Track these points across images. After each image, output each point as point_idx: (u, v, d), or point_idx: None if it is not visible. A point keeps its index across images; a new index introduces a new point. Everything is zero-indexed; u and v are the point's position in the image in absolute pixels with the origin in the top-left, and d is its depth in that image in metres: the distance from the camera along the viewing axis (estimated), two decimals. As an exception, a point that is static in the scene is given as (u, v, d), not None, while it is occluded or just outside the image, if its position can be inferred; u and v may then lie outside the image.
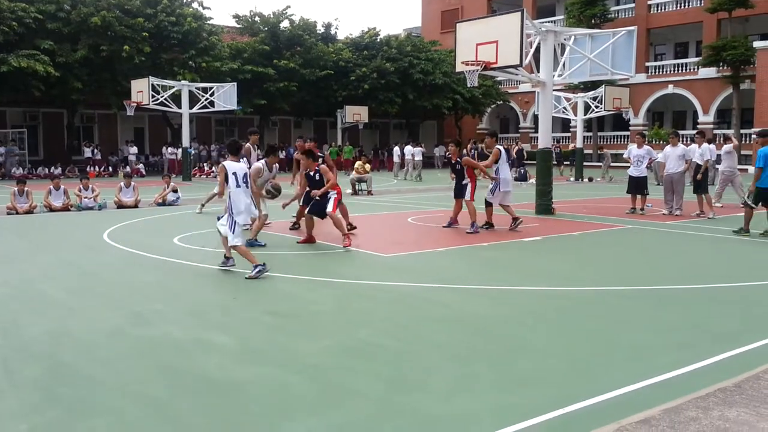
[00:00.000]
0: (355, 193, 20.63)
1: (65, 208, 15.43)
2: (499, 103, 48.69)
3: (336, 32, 45.14)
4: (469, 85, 14.67)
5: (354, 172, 21.41)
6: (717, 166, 17.19)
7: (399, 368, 4.60)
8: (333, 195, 9.97)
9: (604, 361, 4.73)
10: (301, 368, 4.59)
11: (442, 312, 6.13)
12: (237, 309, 6.33)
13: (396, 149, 33.21)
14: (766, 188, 10.76)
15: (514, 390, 4.17)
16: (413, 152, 30.59)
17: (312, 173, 10.15)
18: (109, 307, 6.42)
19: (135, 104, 27.71)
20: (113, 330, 5.56)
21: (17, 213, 14.86)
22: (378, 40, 43.47)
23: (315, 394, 4.13)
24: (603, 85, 28.14)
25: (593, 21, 39.75)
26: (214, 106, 29.59)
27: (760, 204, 10.94)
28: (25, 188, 15.42)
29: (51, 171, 30.65)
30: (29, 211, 15.05)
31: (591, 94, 28.86)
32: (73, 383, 4.33)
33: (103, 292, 7.05)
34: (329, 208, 9.87)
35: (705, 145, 13.94)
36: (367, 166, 21.47)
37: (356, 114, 38.01)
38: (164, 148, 36.06)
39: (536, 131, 17.89)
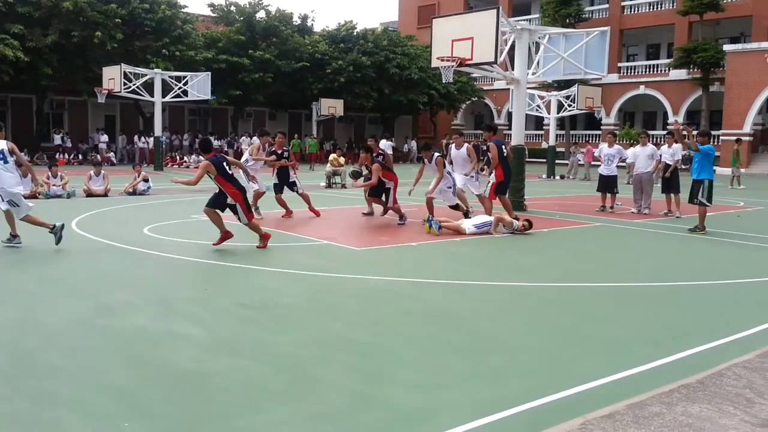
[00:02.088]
0: (329, 186, 20.59)
1: (33, 196, 15.14)
2: (473, 99, 48.95)
3: (312, 24, 44.99)
4: (444, 81, 14.73)
5: (329, 165, 21.36)
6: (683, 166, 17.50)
7: (371, 361, 4.62)
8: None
9: (572, 356, 4.81)
10: (271, 360, 4.59)
11: (413, 306, 6.17)
12: (208, 300, 6.29)
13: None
14: (697, 180, 11.29)
15: (483, 384, 4.21)
16: (384, 146, 30.52)
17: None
18: (77, 296, 6.34)
19: (106, 91, 27.28)
20: (80, 320, 5.50)
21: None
22: (354, 33, 43.38)
23: (286, 385, 4.14)
24: (576, 84, 28.45)
25: (568, 20, 40.12)
26: (187, 96, 29.26)
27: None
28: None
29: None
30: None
31: (564, 92, 29.17)
32: (38, 373, 4.27)
33: (70, 282, 6.96)
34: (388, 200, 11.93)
35: (675, 145, 14.18)
36: (342, 159, 21.47)
37: (331, 107, 37.90)
38: (112, 136, 35.55)
39: (510, 128, 17.98)
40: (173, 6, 35.59)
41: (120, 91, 26.81)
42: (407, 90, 43.22)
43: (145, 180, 17.11)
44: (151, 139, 31.67)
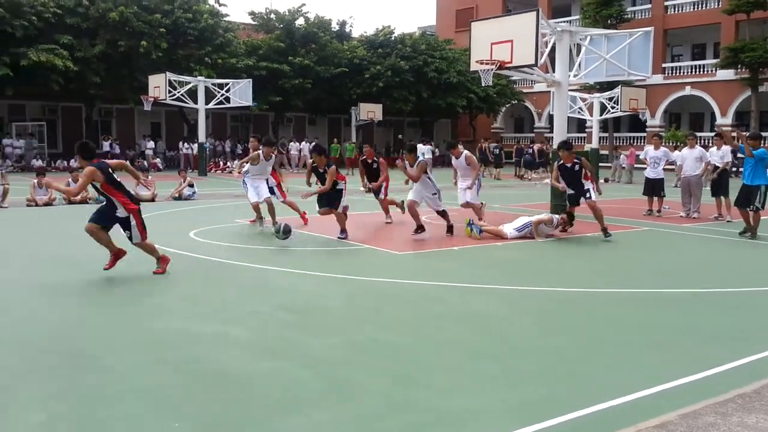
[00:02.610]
0: (368, 190, 20.63)
1: (84, 201, 15.56)
2: (513, 102, 48.51)
3: (351, 30, 45.22)
4: (483, 84, 14.65)
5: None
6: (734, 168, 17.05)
7: (406, 364, 4.62)
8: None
9: (617, 364, 4.72)
10: (311, 363, 4.63)
11: (450, 310, 6.14)
12: (250, 304, 6.37)
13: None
14: (751, 185, 10.83)
15: (523, 390, 4.17)
16: (423, 150, 30.50)
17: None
18: (127, 299, 6.49)
19: (152, 99, 27.87)
20: (130, 322, 5.62)
21: (36, 205, 15.03)
22: (392, 38, 43.43)
23: (324, 388, 4.17)
24: (619, 86, 27.97)
25: (609, 21, 39.48)
26: (229, 102, 29.72)
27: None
28: (45, 180, 15.56)
29: (69, 164, 30.90)
30: (48, 203, 15.21)
31: (607, 94, 28.69)
32: (89, 373, 4.38)
33: (121, 285, 7.12)
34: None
35: (724, 147, 13.83)
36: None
37: (370, 112, 38.00)
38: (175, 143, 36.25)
39: (551, 131, 17.76)
40: (215, 15, 36.24)
41: (165, 99, 27.37)
42: (446, 94, 43.10)
43: (190, 185, 17.43)
44: (195, 145, 32.24)
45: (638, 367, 4.60)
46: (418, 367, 4.57)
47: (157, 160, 34.35)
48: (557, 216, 10.88)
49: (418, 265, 8.52)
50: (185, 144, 35.42)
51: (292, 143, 36.38)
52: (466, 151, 12.12)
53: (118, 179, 7.59)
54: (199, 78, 29.72)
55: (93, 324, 5.57)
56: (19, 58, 29.54)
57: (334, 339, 5.19)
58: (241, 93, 29.60)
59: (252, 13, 41.42)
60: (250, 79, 30.35)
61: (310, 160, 11.00)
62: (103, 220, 7.50)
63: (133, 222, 7.53)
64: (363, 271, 7.89)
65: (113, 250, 7.58)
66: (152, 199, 16.48)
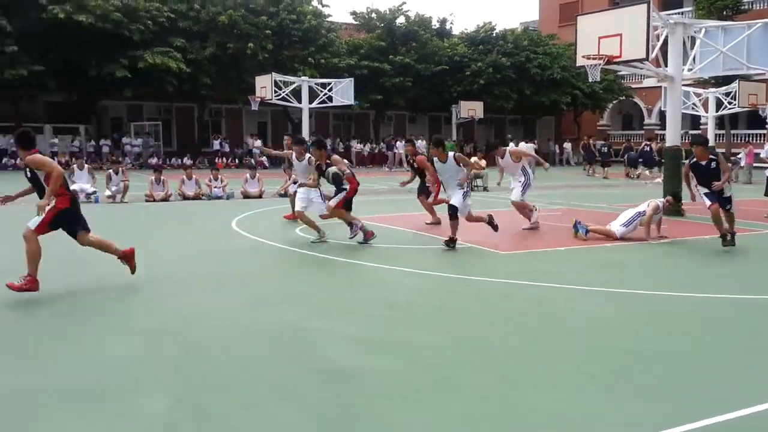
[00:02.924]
0: (471, 189, 20.51)
1: (197, 197, 16.38)
2: (621, 98, 46.76)
3: (451, 27, 45.05)
4: (590, 80, 14.26)
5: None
6: None
7: (513, 365, 4.56)
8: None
9: (741, 377, 4.46)
10: (417, 360, 4.65)
11: (557, 312, 6.00)
12: (354, 299, 6.49)
13: (511, 145, 32.50)
14: None
15: (639, 397, 4.00)
16: (525, 148, 29.84)
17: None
18: (237, 292, 6.77)
19: (259, 99, 28.89)
20: (241, 314, 5.86)
21: (154, 200, 15.95)
22: (494, 34, 42.92)
23: (432, 385, 4.17)
24: (737, 81, 26.38)
25: (725, 13, 37.26)
26: (332, 101, 30.33)
27: None
28: (162, 177, 16.53)
29: (183, 161, 32.58)
30: (165, 199, 16.11)
31: (723, 89, 27.14)
32: (206, 363, 4.60)
33: (232, 278, 7.43)
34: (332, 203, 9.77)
35: None
36: (483, 162, 21.30)
37: (471, 109, 37.75)
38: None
39: (663, 128, 16.99)
40: (318, 16, 37.11)
41: (271, 99, 28.29)
42: (549, 90, 42.15)
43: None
44: (298, 143, 33.10)
45: (759, 380, 4.33)
46: (526, 368, 4.50)
47: (263, 158, 35.56)
48: (661, 200, 10.36)
49: (523, 265, 8.38)
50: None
51: (398, 142, 36.41)
52: (452, 158, 9.75)
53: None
54: (302, 78, 30.51)
55: (206, 315, 5.85)
56: (136, 61, 31.41)
57: (439, 337, 5.20)
58: (343, 92, 30.15)
59: (353, 13, 42.11)
60: (352, 79, 30.86)
61: (285, 151, 10.59)
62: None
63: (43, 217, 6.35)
64: (466, 270, 7.85)
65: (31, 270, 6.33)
66: (260, 196, 17.10)
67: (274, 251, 9.13)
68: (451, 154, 9.66)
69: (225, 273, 7.68)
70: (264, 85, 28.64)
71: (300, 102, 29.64)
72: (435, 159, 9.75)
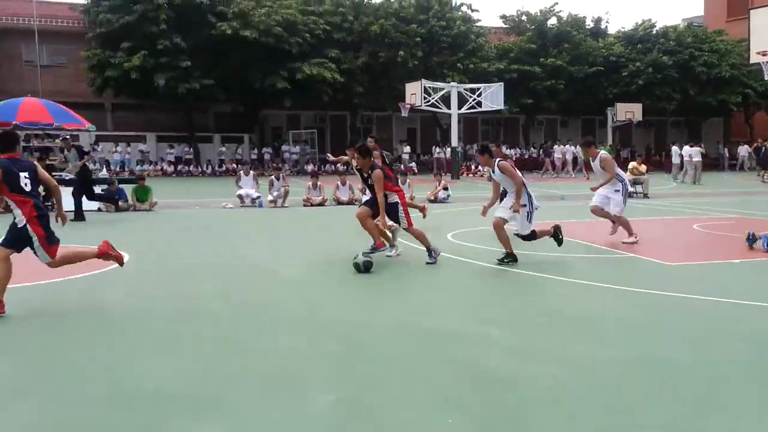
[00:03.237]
0: (629, 195, 19.53)
1: (350, 202, 16.89)
2: (800, 96, 42.51)
3: (606, 26, 43.39)
4: (766, 78, 13.07)
5: (628, 173, 20.25)
6: None
7: (694, 386, 4.22)
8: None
9: None
10: (582, 373, 4.45)
11: (737, 329, 5.50)
12: (511, 307, 6.37)
13: (675, 149, 30.54)
14: None
15: None
16: (690, 153, 27.94)
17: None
18: (394, 296, 6.88)
19: (409, 106, 29.38)
20: (399, 317, 5.94)
21: (312, 204, 16.68)
22: (653, 32, 40.71)
23: (601, 402, 3.96)
24: None
25: None
26: (480, 107, 30.17)
27: None
28: (318, 182, 17.26)
29: (337, 168, 33.83)
30: (321, 204, 16.78)
31: None
32: (368, 363, 4.70)
33: (387, 284, 7.56)
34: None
35: None
36: (643, 167, 20.21)
37: (629, 111, 35.94)
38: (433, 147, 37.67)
39: None
40: (467, 21, 37.10)
41: (420, 105, 28.67)
42: (716, 90, 39.26)
43: (445, 188, 18.01)
44: (447, 149, 33.29)
45: None
46: (710, 389, 4.17)
47: (413, 164, 36.07)
48: None
49: (691, 278, 7.81)
50: (437, 148, 36.72)
51: (556, 146, 35.32)
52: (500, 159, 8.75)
53: (25, 181, 5.93)
54: (452, 84, 30.64)
55: (367, 314, 5.99)
56: (295, 73, 33.12)
57: (607, 352, 4.96)
58: (492, 97, 29.91)
59: (503, 17, 41.69)
60: (502, 83, 30.52)
61: (346, 158, 9.31)
62: (14, 243, 5.98)
63: (34, 236, 5.91)
64: (630, 281, 7.44)
65: None
66: (351, 202, 16.73)
67: (418, 254, 9.17)
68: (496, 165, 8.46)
69: (380, 275, 7.82)
70: (414, 92, 29.09)
71: (449, 108, 29.75)
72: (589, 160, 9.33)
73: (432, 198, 17.68)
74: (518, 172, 8.53)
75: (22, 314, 5.93)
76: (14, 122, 15.83)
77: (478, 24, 38.74)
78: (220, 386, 4.20)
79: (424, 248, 8.64)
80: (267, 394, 4.08)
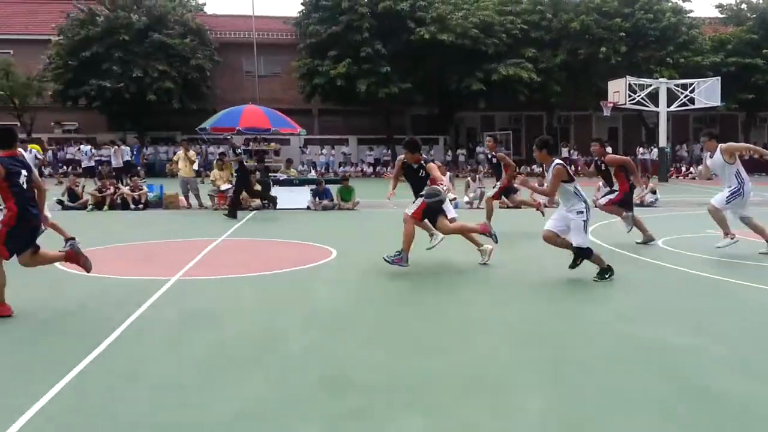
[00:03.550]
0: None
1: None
2: None
3: None
4: None
5: None
6: None
7: None
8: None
9: None
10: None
11: None
12: (726, 319, 5.83)
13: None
14: None
15: None
16: None
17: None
18: (594, 304, 6.59)
19: (612, 104, 27.98)
20: (607, 326, 5.68)
21: (507, 207, 16.50)
22: None
23: None
24: None
25: None
26: (693, 103, 27.91)
27: None
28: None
29: (531, 168, 33.23)
30: (518, 206, 16.50)
31: None
32: (581, 371, 4.52)
33: (578, 285, 7.23)
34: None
35: None
36: None
37: None
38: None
39: None
40: (678, 12, 34.58)
41: (624, 104, 27.18)
42: None
43: (653, 191, 16.91)
44: (653, 149, 31.25)
45: None
46: None
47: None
48: None
49: None
50: (642, 149, 34.59)
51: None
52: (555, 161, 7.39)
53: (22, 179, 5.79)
54: (660, 80, 28.70)
55: (573, 323, 5.80)
56: (490, 74, 33.03)
57: None
58: (707, 92, 27.54)
59: (719, 6, 38.19)
60: (718, 77, 27.97)
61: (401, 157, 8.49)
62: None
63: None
64: None
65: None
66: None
67: (641, 264, 8.67)
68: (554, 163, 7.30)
69: (571, 279, 7.52)
70: (617, 90, 27.66)
71: (656, 105, 27.88)
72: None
73: (638, 201, 16.64)
74: (562, 181, 7.18)
75: (253, 301, 6.54)
76: (237, 128, 17.44)
77: (690, 15, 35.89)
78: (422, 381, 4.30)
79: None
80: (467, 394, 4.10)
